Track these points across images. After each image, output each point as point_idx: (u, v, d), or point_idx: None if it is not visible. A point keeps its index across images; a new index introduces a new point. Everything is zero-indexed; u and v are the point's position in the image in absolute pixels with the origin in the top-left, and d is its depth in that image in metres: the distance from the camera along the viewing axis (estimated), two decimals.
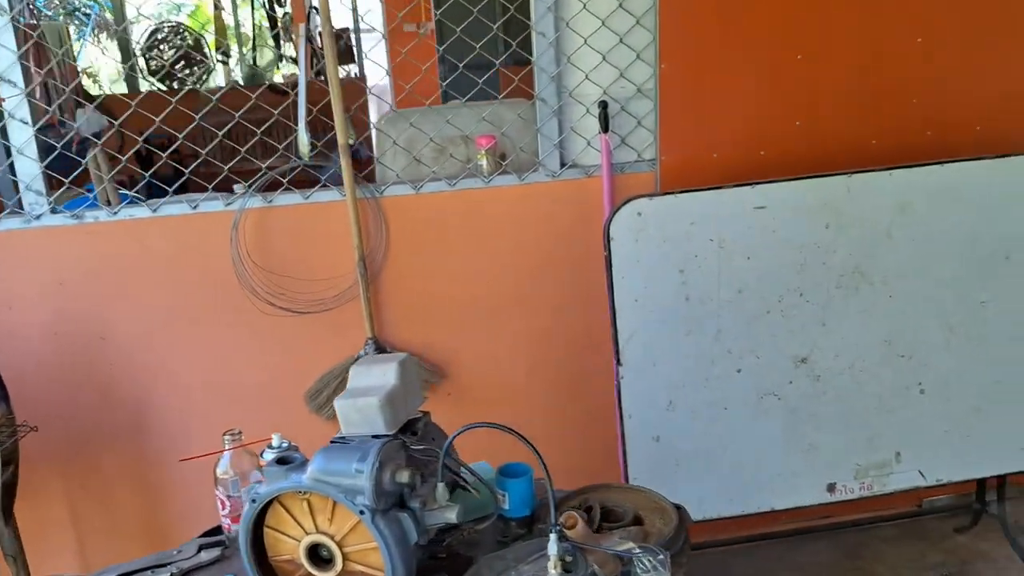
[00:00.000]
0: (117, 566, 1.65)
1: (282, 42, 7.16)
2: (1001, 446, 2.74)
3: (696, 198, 2.52)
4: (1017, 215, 2.62)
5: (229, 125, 2.58)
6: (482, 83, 2.72)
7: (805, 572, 2.92)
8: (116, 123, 2.67)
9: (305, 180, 2.65)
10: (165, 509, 2.75)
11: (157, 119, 2.53)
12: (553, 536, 1.39)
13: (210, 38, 7.31)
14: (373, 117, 3.30)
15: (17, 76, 2.40)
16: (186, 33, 7.12)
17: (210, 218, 2.56)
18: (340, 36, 6.10)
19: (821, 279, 2.58)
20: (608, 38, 2.66)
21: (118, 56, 7.04)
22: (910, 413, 2.67)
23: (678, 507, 1.73)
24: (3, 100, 2.39)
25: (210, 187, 2.58)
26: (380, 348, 2.70)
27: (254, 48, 7.41)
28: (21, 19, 4.96)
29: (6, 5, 2.33)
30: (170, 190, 2.56)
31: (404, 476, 1.42)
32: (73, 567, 2.73)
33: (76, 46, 7.22)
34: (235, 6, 7.51)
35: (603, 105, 2.69)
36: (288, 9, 7.08)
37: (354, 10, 4.24)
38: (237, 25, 7.71)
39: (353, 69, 6.75)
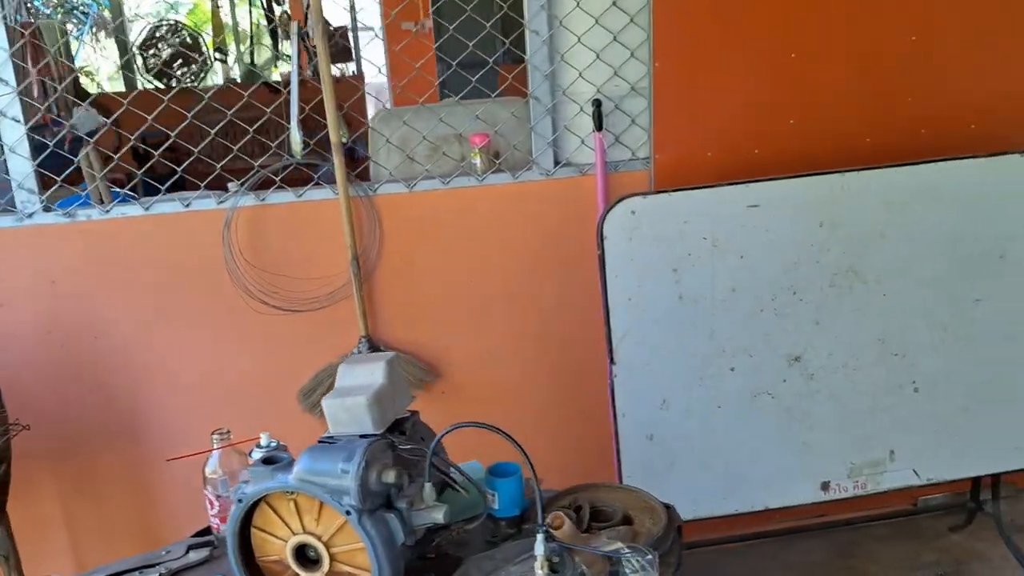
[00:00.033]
0: (105, 567, 1.65)
1: (280, 40, 7.15)
2: (995, 445, 2.73)
3: (689, 197, 2.51)
4: (1011, 214, 2.62)
5: (221, 123, 2.57)
6: (475, 81, 2.71)
7: (798, 571, 2.92)
8: (108, 121, 2.66)
9: (300, 178, 2.65)
10: (159, 509, 2.75)
11: (149, 117, 2.53)
12: (540, 536, 1.39)
13: (208, 37, 7.30)
14: (371, 115, 3.29)
15: (9, 74, 2.40)
16: (184, 31, 7.11)
17: (203, 216, 2.56)
18: (333, 35, 6.10)
19: (814, 278, 2.57)
20: (602, 36, 2.66)
21: (116, 54, 7.04)
22: (904, 412, 2.66)
23: (667, 506, 1.73)
24: None
25: (202, 185, 2.58)
26: (374, 346, 2.70)
27: (252, 46, 7.40)
28: (19, 17, 4.96)
29: None
30: (163, 188, 2.56)
31: (390, 476, 1.42)
32: (67, 567, 2.72)
33: (74, 44, 7.22)
34: (232, 4, 7.50)
35: (597, 103, 2.68)
36: (286, 7, 7.08)
37: (352, 8, 4.24)
38: (235, 23, 7.70)
39: (351, 67, 6.75)
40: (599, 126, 2.68)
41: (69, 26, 7.04)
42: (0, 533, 2.31)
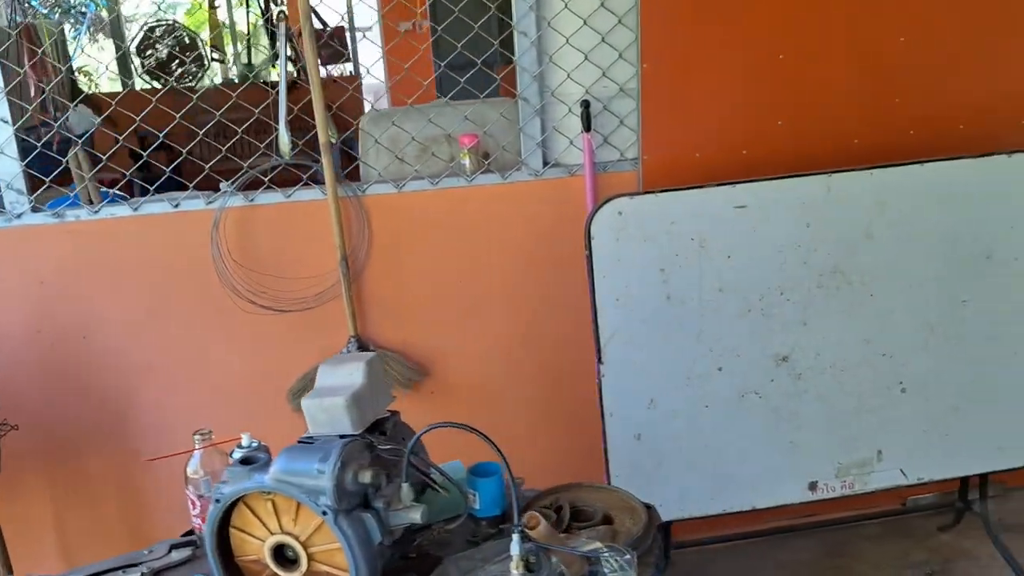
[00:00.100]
0: (86, 567, 1.65)
1: (277, 40, 7.15)
2: (982, 445, 2.74)
3: (677, 197, 2.52)
4: (998, 214, 2.62)
5: (210, 123, 2.58)
6: (463, 82, 2.72)
7: (787, 570, 2.93)
8: (98, 121, 2.67)
9: (291, 179, 2.66)
10: (149, 509, 2.76)
11: (138, 118, 2.54)
12: (516, 536, 1.39)
13: (206, 37, 7.31)
14: None
15: None
16: (181, 31, 7.11)
17: (192, 217, 2.56)
18: (331, 36, 6.10)
19: (802, 278, 2.57)
20: (590, 37, 2.67)
21: (114, 54, 7.04)
22: (891, 412, 2.67)
23: (648, 506, 1.73)
24: None
25: (191, 185, 2.58)
26: (363, 346, 2.71)
27: (249, 46, 7.41)
28: (16, 18, 4.97)
29: None
30: (151, 189, 2.56)
31: (367, 476, 1.42)
32: (56, 567, 2.73)
33: (72, 44, 7.22)
34: (230, 4, 7.49)
35: (585, 104, 2.69)
36: (283, 7, 7.07)
37: (349, 8, 4.24)
38: (232, 23, 7.69)
39: (348, 68, 6.76)
40: (587, 127, 2.69)
41: (66, 26, 7.03)
42: None
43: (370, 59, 3.87)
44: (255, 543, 1.50)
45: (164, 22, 7.01)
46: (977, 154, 2.59)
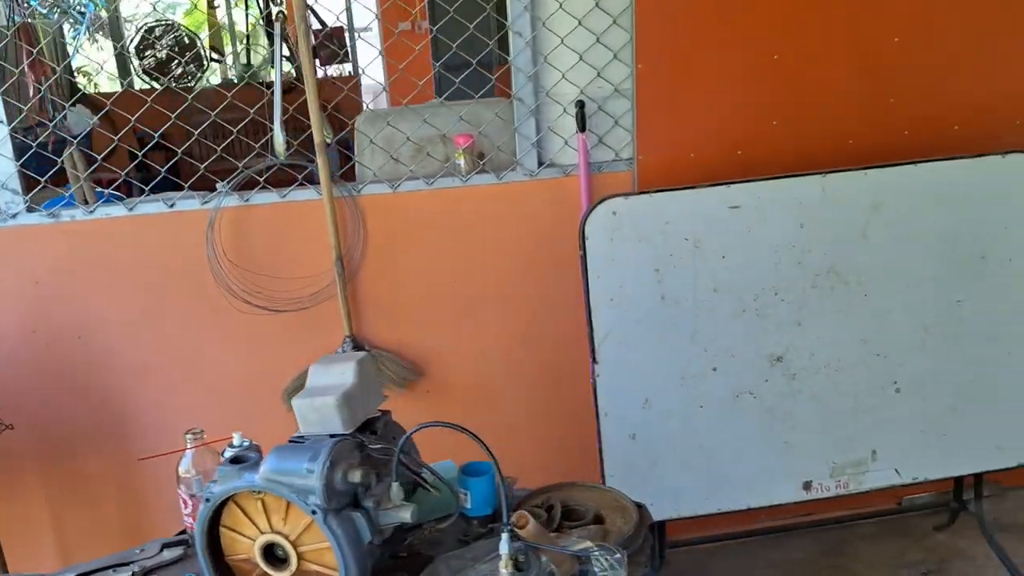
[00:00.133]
0: (77, 565, 1.66)
1: (276, 40, 7.15)
2: (977, 444, 2.73)
3: (671, 197, 2.52)
4: (993, 214, 2.62)
5: (205, 123, 2.58)
6: (458, 82, 2.72)
7: (782, 569, 2.93)
8: (93, 121, 2.68)
9: (286, 179, 2.66)
10: (144, 508, 2.76)
11: (132, 118, 2.54)
12: (505, 535, 1.40)
13: (205, 37, 7.31)
14: None
15: None
16: (181, 31, 7.11)
17: (187, 217, 2.57)
18: (330, 36, 6.10)
19: (796, 279, 2.58)
20: (585, 38, 2.67)
21: (113, 54, 7.05)
22: (886, 412, 2.67)
23: (639, 505, 1.74)
24: None
25: (186, 185, 2.59)
26: (358, 346, 2.71)
27: (248, 47, 7.41)
28: (15, 18, 4.97)
29: None
30: (147, 189, 2.57)
31: (356, 475, 1.43)
32: (54, 566, 2.73)
33: (71, 44, 7.22)
34: (229, 5, 7.50)
35: (580, 104, 2.69)
36: (283, 8, 7.08)
37: (348, 8, 4.24)
38: (231, 24, 7.70)
39: (347, 68, 6.75)
40: (582, 127, 2.69)
41: (65, 26, 7.03)
42: None
43: (370, 59, 3.86)
44: (245, 542, 1.50)
45: (163, 22, 7.01)
46: (973, 154, 2.59)
